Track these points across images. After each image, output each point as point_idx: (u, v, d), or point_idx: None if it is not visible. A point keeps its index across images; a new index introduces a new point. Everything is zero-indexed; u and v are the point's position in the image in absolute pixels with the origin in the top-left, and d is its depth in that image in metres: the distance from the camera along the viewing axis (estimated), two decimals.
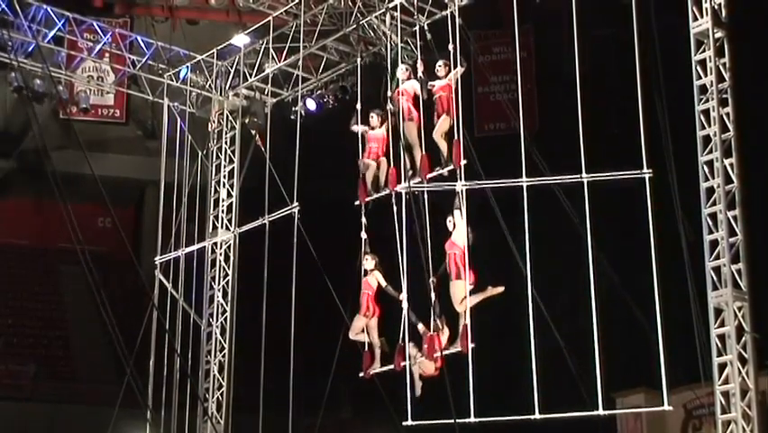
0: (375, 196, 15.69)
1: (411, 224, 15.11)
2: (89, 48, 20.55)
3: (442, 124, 15.26)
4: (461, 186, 14.84)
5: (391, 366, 14.99)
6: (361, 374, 15.33)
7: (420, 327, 14.80)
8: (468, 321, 14.35)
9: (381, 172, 15.77)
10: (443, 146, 15.22)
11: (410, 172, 15.38)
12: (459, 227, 14.72)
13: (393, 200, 15.41)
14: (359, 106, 16.05)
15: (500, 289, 14.74)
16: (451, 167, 15.02)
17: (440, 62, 15.60)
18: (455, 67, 15.40)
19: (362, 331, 15.40)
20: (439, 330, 14.55)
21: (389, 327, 15.27)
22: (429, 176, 15.13)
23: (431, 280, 14.69)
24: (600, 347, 14.04)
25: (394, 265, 15.18)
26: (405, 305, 14.90)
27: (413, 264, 15.02)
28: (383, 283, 15.27)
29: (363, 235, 15.48)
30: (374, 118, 15.95)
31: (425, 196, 15.15)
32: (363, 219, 15.60)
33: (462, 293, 14.44)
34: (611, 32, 23.16)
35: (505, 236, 16.17)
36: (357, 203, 15.74)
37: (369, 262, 15.37)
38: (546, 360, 14.41)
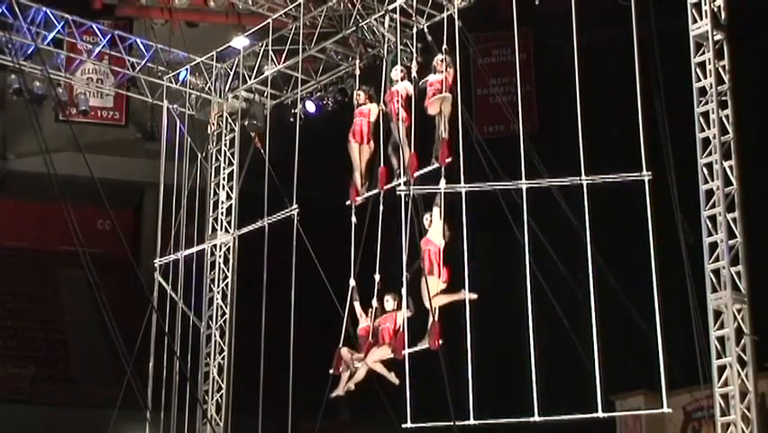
0: (365, 195, 15.75)
1: (394, 222, 15.19)
2: (89, 50, 20.55)
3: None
4: (443, 187, 14.80)
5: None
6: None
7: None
8: (436, 318, 14.34)
9: (363, 161, 15.78)
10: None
11: (398, 171, 15.45)
12: (435, 225, 14.76)
13: (381, 199, 15.47)
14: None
15: (473, 295, 14.58)
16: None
17: (438, 58, 15.57)
18: (452, 66, 15.38)
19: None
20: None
21: None
22: (416, 174, 15.18)
23: (404, 276, 14.70)
24: (600, 349, 14.04)
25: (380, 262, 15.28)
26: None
27: (396, 261, 15.06)
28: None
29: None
30: (361, 95, 16.05)
31: (412, 195, 15.19)
32: (353, 218, 15.71)
33: (433, 290, 14.42)
34: (611, 34, 23.13)
35: (504, 238, 16.17)
36: (348, 202, 15.85)
37: (389, 303, 14.92)
38: (546, 362, 14.41)
